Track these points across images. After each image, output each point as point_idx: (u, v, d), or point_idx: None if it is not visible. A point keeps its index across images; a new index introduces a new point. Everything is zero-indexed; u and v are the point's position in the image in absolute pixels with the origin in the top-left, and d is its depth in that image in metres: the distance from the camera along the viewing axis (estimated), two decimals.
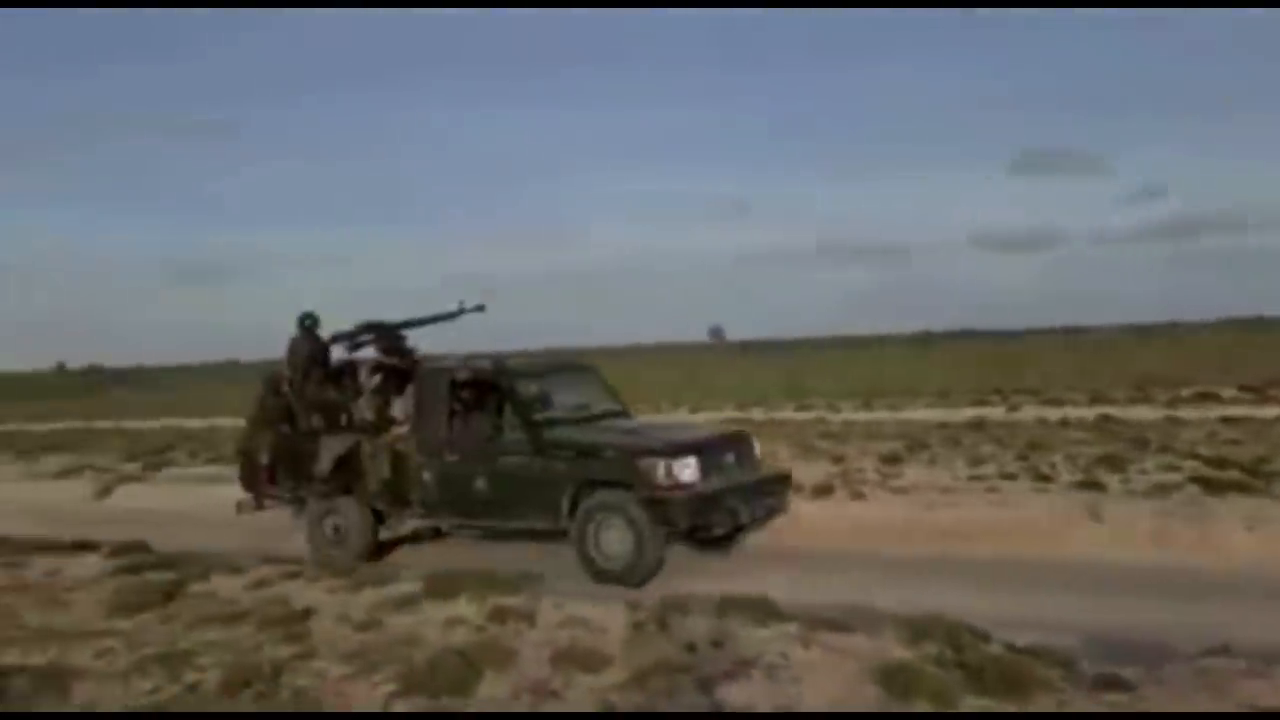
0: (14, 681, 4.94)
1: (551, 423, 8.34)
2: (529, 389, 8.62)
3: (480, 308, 9.45)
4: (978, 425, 16.37)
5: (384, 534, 9.07)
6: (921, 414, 20.45)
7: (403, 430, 8.90)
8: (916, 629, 4.97)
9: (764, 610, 5.49)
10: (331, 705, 4.61)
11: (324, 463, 8.89)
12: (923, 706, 4.22)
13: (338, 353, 9.54)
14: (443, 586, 6.29)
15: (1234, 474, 9.63)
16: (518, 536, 8.47)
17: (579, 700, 4.52)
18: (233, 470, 15.03)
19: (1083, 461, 10.90)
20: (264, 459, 9.39)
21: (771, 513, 8.41)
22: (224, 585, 6.91)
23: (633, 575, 7.46)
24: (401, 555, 9.09)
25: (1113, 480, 9.78)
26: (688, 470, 7.59)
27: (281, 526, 9.64)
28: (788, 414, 21.98)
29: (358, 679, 4.85)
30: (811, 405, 24.02)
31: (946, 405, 22.41)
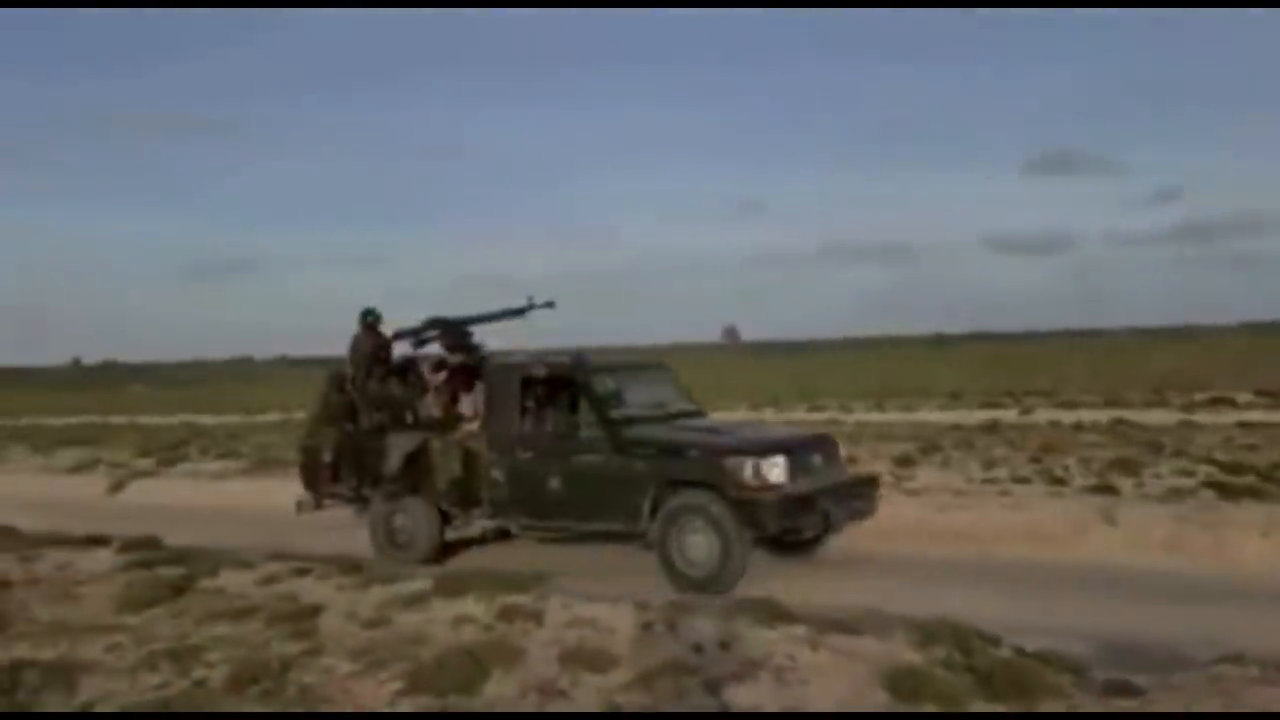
0: (24, 675, 4.96)
1: (629, 421, 8.06)
2: (606, 385, 8.30)
3: (550, 304, 9.16)
4: (991, 428, 16.28)
5: (449, 535, 8.80)
6: (934, 416, 20.37)
7: (472, 428, 8.72)
8: (926, 632, 4.93)
9: (772, 612, 5.46)
10: (338, 702, 4.61)
11: (393, 461, 8.66)
12: (931, 710, 4.18)
13: (402, 349, 9.33)
14: (451, 585, 6.28)
15: (1249, 479, 9.54)
16: (591, 539, 8.21)
17: (586, 700, 4.51)
18: (242, 467, 15.21)
19: (1096, 465, 10.82)
20: (327, 456, 9.15)
21: (860, 516, 7.96)
22: (233, 581, 6.93)
23: (718, 581, 7.09)
24: (466, 558, 8.75)
25: (1127, 484, 9.71)
26: (776, 470, 7.27)
27: (295, 523, 9.63)
28: (800, 415, 21.94)
29: (365, 676, 4.85)
30: (824, 406, 23.96)
31: (959, 407, 22.31)
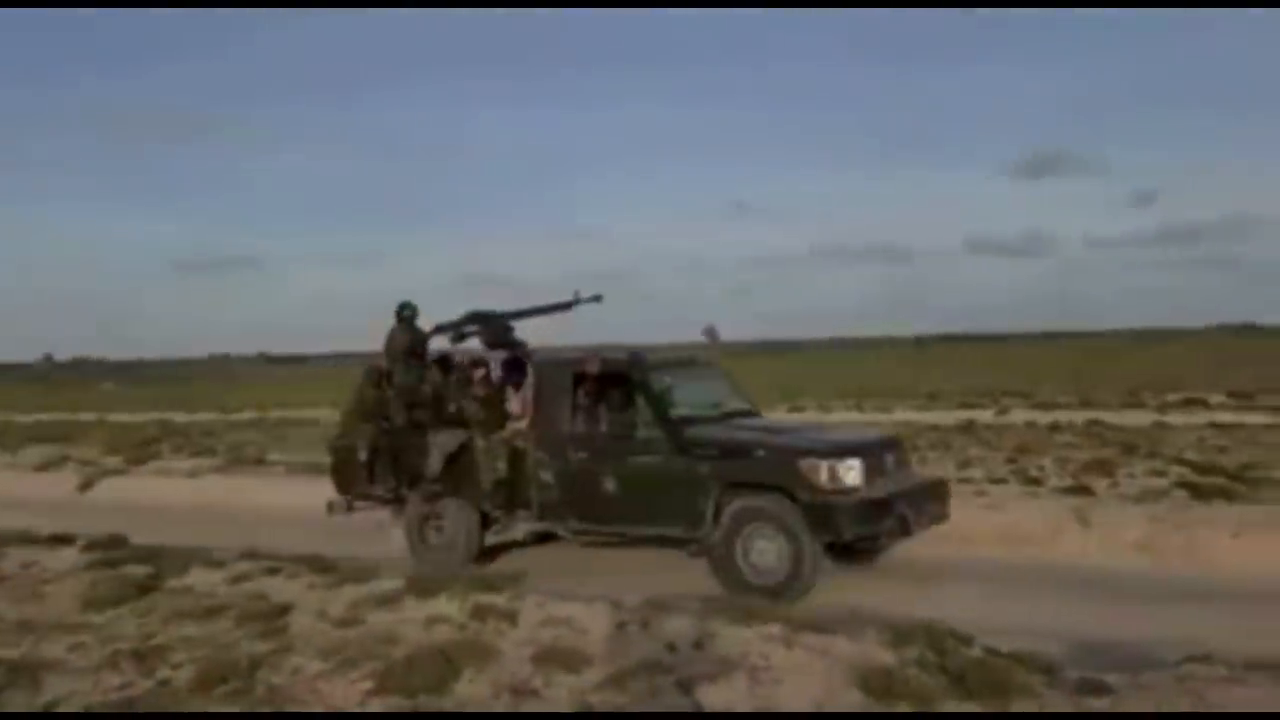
0: None
1: (688, 420, 7.76)
2: (663, 383, 8.00)
3: (597, 298, 8.87)
4: (967, 428, 16.36)
5: (490, 539, 8.41)
6: (912, 416, 20.45)
7: (519, 426, 8.34)
8: (899, 632, 4.92)
9: (746, 611, 5.44)
10: (307, 702, 4.55)
11: (434, 461, 8.25)
12: (904, 709, 4.18)
13: (440, 344, 8.93)
14: (424, 584, 6.22)
15: (1220, 480, 9.62)
16: (646, 543, 7.90)
17: (559, 700, 4.47)
18: (216, 464, 15.04)
19: (1071, 466, 10.88)
20: (362, 455, 8.73)
21: (935, 521, 7.64)
22: (202, 579, 6.82)
23: (789, 590, 6.78)
24: (505, 561, 8.40)
25: (1101, 485, 9.76)
26: (853, 473, 6.95)
27: (267, 520, 9.53)
28: (780, 414, 21.94)
29: (334, 676, 4.78)
30: (804, 406, 24.00)
31: (937, 408, 22.42)
